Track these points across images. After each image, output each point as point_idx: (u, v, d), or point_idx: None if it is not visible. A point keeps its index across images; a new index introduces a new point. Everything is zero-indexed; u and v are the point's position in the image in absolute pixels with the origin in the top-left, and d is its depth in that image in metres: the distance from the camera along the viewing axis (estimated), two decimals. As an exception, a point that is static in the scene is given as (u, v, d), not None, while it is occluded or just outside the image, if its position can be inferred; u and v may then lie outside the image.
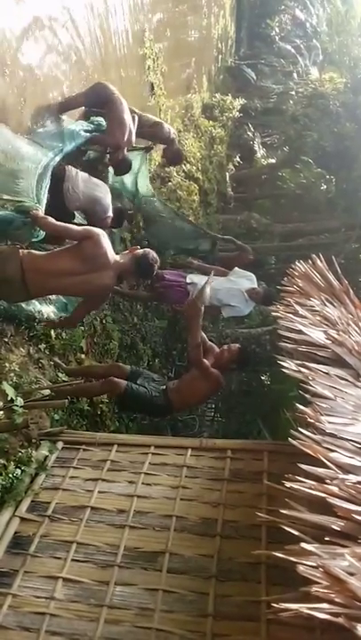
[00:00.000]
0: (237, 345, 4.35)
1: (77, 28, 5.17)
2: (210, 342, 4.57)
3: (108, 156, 5.44)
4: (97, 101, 4.85)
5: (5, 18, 3.94)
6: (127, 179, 5.97)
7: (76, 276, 3.43)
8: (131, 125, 5.01)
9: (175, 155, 6.23)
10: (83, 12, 5.24)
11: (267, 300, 5.45)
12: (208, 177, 10.41)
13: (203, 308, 4.09)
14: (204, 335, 4.58)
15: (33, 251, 3.51)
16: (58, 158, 4.21)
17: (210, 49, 12.83)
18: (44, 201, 3.74)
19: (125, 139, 4.94)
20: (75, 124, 4.72)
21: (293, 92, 11.98)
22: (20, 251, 3.41)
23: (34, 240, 3.68)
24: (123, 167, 5.35)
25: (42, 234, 3.64)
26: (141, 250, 3.74)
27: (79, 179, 4.54)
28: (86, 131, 4.76)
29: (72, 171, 4.55)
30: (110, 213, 4.82)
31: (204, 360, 4.12)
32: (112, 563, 2.62)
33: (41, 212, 3.50)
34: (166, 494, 3.02)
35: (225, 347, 4.44)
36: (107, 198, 4.77)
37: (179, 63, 9.86)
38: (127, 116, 4.93)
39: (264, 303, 5.70)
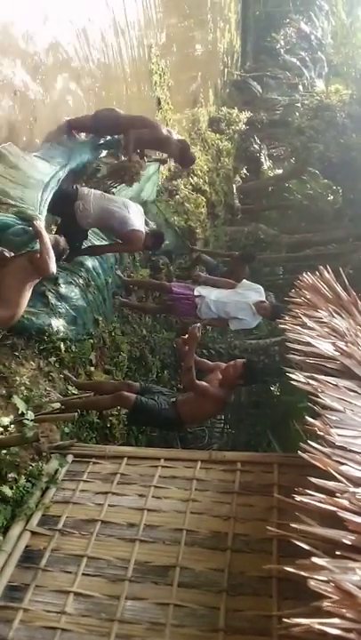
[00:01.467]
0: (242, 360, 4.27)
1: (85, 46, 5.26)
2: (214, 362, 4.57)
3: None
4: (105, 125, 4.90)
5: (14, 38, 4.02)
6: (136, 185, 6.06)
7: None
8: (151, 120, 5.17)
9: (183, 155, 6.21)
10: (89, 29, 5.33)
11: (275, 315, 5.44)
12: (215, 189, 10.47)
13: (199, 336, 4.13)
14: (207, 360, 4.65)
15: None
16: (62, 174, 4.28)
17: (216, 63, 12.97)
18: (45, 213, 3.82)
19: (165, 129, 5.13)
20: (84, 141, 4.79)
21: (299, 105, 12.10)
22: None
23: (27, 249, 3.73)
24: (188, 159, 5.62)
25: (38, 246, 3.71)
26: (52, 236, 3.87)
27: (91, 195, 4.60)
28: (96, 147, 4.83)
29: (84, 189, 4.62)
30: (136, 227, 4.81)
31: (200, 382, 4.08)
32: (123, 577, 2.61)
33: (42, 224, 3.58)
34: (176, 507, 3.02)
35: (231, 363, 4.33)
36: (124, 212, 4.76)
37: (185, 77, 9.98)
38: (144, 117, 5.06)
39: (272, 318, 5.68)
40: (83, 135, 4.94)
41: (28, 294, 3.56)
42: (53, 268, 3.57)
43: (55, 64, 4.68)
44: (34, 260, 3.51)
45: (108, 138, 5.04)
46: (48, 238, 3.58)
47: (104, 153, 5.02)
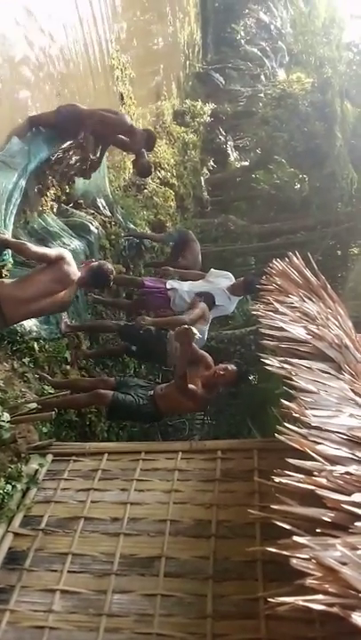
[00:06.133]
0: (234, 367, 4.15)
1: (43, 42, 5.18)
2: (201, 353, 4.44)
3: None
4: (68, 119, 4.87)
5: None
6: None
7: (50, 297, 3.53)
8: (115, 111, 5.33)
9: (144, 168, 6.27)
10: (48, 24, 5.25)
11: (249, 287, 5.50)
12: (183, 182, 10.48)
13: (194, 343, 4.01)
14: (195, 346, 4.48)
15: (5, 280, 3.59)
16: (23, 182, 4.29)
17: (177, 56, 12.94)
18: (11, 226, 3.84)
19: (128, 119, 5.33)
20: (38, 138, 4.74)
21: (262, 95, 12.17)
22: None
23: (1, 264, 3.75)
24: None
25: (7, 257, 3.72)
26: (97, 262, 3.95)
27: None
28: (49, 141, 4.80)
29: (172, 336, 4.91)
30: None
31: (190, 386, 4.02)
32: (109, 571, 2.61)
33: (8, 235, 3.57)
34: (159, 499, 3.02)
35: (221, 366, 4.20)
36: None
37: (147, 71, 9.93)
38: (107, 109, 5.17)
39: (247, 291, 5.73)
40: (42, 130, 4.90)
41: (47, 301, 3.55)
42: (52, 254, 3.57)
43: (13, 61, 4.60)
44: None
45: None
46: (25, 244, 3.58)
47: (65, 144, 5.01)
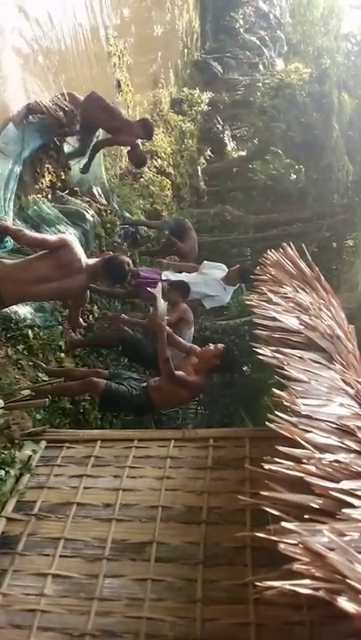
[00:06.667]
0: (222, 345, 4.25)
1: (41, 29, 5.14)
2: (189, 345, 4.53)
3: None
4: (63, 107, 4.86)
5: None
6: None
7: (51, 282, 3.50)
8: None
9: (139, 158, 6.27)
10: (46, 10, 5.20)
11: (244, 274, 5.49)
12: (180, 171, 10.44)
13: (165, 322, 4.03)
14: (181, 339, 4.56)
15: (4, 260, 3.55)
16: (18, 169, 4.26)
17: (175, 43, 12.83)
18: (11, 213, 3.81)
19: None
20: (33, 126, 4.72)
21: (260, 84, 12.10)
22: None
23: (1, 251, 3.73)
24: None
25: (9, 244, 3.69)
26: (112, 254, 3.92)
27: None
28: (44, 130, 4.78)
29: None
30: None
31: (178, 372, 4.03)
32: (100, 556, 2.63)
33: (8, 222, 3.54)
34: (151, 486, 3.04)
35: (211, 346, 4.28)
36: None
37: (145, 59, 9.87)
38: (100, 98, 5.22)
39: (243, 279, 5.73)
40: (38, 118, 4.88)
41: (49, 286, 3.53)
42: (53, 240, 3.55)
43: (10, 47, 4.56)
44: None
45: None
46: (21, 230, 3.58)
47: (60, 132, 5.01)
